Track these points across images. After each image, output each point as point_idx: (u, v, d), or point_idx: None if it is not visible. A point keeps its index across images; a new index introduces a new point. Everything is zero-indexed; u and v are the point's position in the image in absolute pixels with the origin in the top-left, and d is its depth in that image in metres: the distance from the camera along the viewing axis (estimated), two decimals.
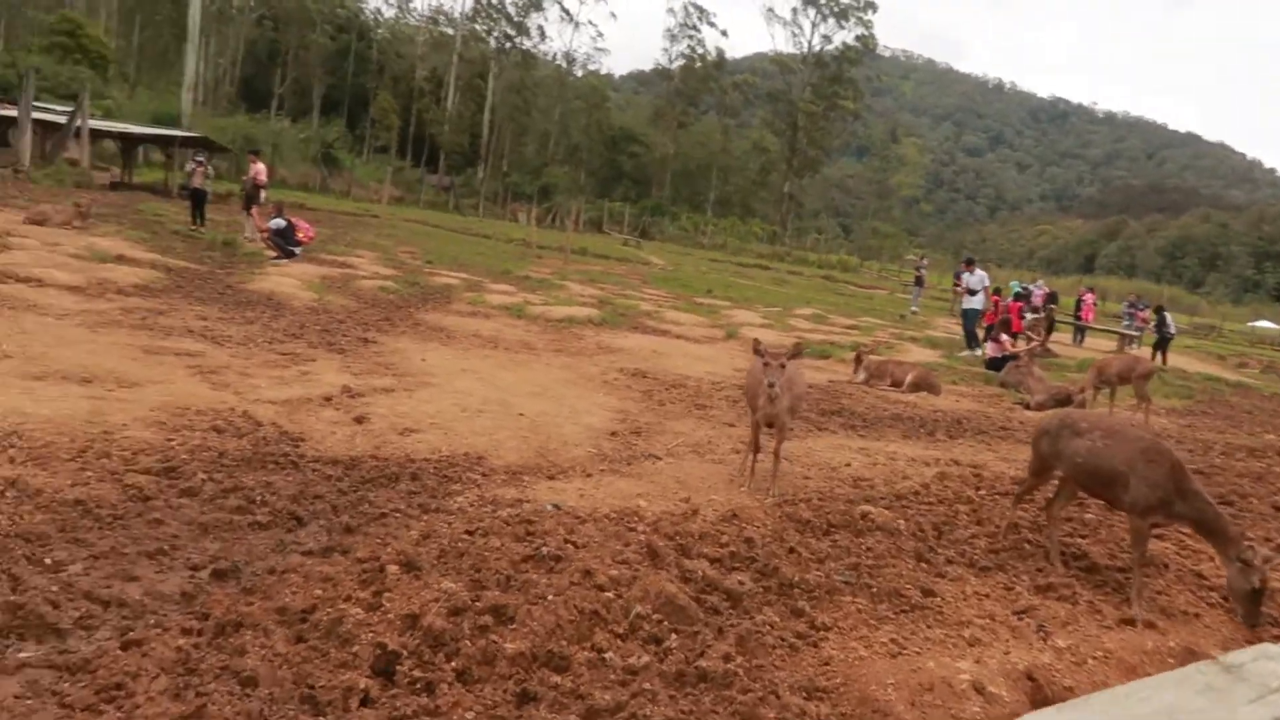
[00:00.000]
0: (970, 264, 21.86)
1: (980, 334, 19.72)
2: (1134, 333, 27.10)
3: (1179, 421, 14.31)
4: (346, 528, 5.76)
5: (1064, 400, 13.37)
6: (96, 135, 35.61)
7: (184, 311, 12.22)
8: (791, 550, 5.52)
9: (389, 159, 75.30)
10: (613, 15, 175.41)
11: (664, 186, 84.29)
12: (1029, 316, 22.05)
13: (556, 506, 6.26)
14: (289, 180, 57.24)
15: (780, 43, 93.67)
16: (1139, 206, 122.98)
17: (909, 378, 13.58)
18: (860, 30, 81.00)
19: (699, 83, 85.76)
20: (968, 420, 11.69)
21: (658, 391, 11.21)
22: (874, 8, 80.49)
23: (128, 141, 37.78)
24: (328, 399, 8.83)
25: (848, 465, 8.41)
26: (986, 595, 5.26)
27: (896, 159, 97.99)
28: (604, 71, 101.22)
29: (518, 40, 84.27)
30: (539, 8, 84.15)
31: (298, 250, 18.84)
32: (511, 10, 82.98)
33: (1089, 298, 26.51)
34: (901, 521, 6.18)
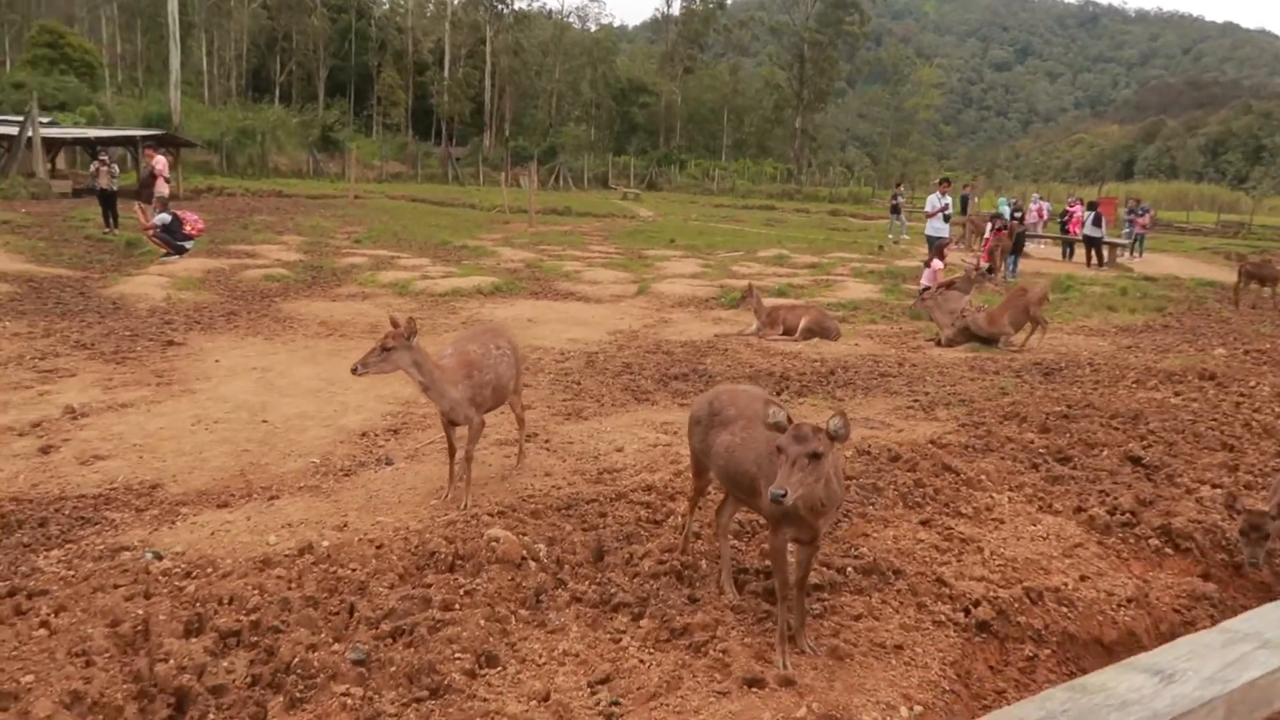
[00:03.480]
0: (944, 184, 19.91)
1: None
2: (1122, 241, 24.78)
3: (1122, 341, 12.52)
4: None
5: (978, 335, 11.70)
6: (53, 144, 34.85)
7: None
8: (337, 613, 4.15)
9: (400, 136, 74.09)
10: None
11: (676, 135, 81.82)
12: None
13: (157, 556, 5.16)
14: (282, 168, 56.48)
15: None
16: (1177, 105, 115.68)
17: (801, 323, 11.99)
18: None
19: (701, 24, 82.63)
20: (845, 370, 10.12)
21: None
22: None
23: (92, 145, 36.98)
24: (36, 424, 7.73)
25: (619, 451, 7.03)
26: (573, 656, 3.84)
27: (912, 82, 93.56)
28: (616, 24, 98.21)
29: (510, 1, 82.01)
30: None
31: (189, 245, 17.71)
32: None
33: (1077, 210, 24.22)
34: (543, 546, 4.74)
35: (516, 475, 6.54)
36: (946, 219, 19.34)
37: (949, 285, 14.36)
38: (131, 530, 5.65)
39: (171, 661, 3.74)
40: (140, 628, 4.00)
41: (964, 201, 28.71)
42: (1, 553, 5.41)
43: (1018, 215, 21.96)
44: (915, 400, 8.72)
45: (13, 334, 11.12)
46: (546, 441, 7.43)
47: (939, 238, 18.28)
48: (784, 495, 3.32)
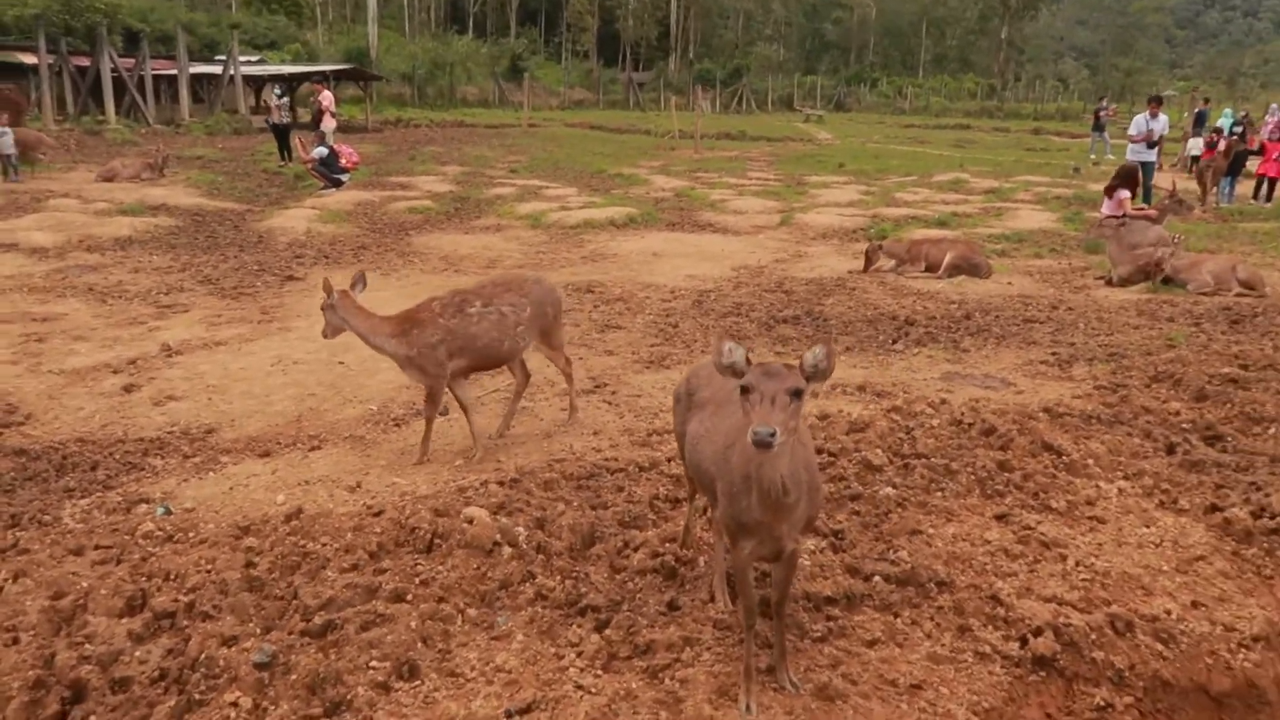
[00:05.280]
0: (1155, 103, 17.32)
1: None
2: None
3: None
4: None
5: (1158, 274, 10.06)
6: (254, 81, 36.82)
7: (140, 264, 11.72)
8: (280, 597, 3.77)
9: (587, 63, 74.10)
10: None
11: (870, 52, 77.54)
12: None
13: (167, 512, 5.06)
14: (469, 98, 57.67)
15: None
16: None
17: (946, 258, 10.71)
18: None
19: None
20: (984, 314, 8.91)
21: (575, 312, 9.32)
22: None
23: (288, 81, 38.85)
24: (131, 362, 7.93)
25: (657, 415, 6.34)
26: (504, 674, 3.28)
27: None
28: None
29: None
30: None
31: (345, 178, 18.10)
32: None
33: None
34: (523, 530, 4.17)
35: (563, 433, 6.01)
36: (1154, 146, 16.73)
37: (1141, 214, 12.55)
38: (166, 480, 5.55)
39: (88, 646, 3.48)
40: (81, 602, 3.77)
41: (1199, 118, 24.89)
42: (45, 497, 5.42)
43: (1238, 130, 18.91)
44: (1054, 354, 7.48)
45: (154, 268, 11.60)
46: (614, 393, 6.85)
47: (1143, 162, 15.96)
48: (771, 434, 2.53)
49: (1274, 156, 17.19)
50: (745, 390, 2.69)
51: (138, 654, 3.45)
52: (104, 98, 29.53)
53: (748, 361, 2.78)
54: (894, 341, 8.02)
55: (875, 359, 7.53)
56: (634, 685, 3.19)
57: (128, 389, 7.26)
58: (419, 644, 3.40)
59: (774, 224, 15.12)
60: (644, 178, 21.54)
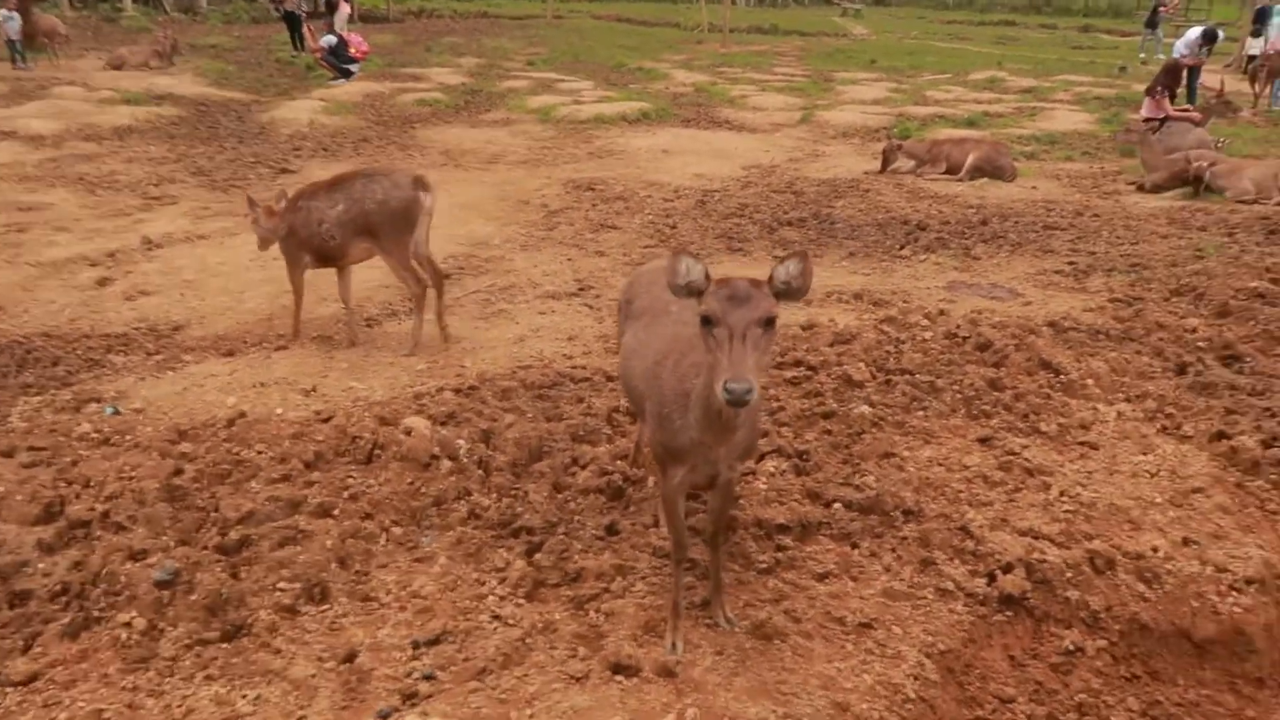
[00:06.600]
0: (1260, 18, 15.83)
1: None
2: None
3: None
4: None
5: (1195, 180, 9.43)
6: None
7: (135, 154, 11.41)
8: (202, 509, 3.55)
9: None
10: None
11: None
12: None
13: (116, 411, 4.86)
14: None
15: None
16: None
17: (969, 159, 10.12)
18: None
19: None
20: (1002, 219, 8.41)
21: (571, 211, 8.93)
22: None
23: None
24: (110, 254, 7.70)
25: None
26: (420, 599, 3.06)
27: None
28: None
29: None
30: None
31: (355, 68, 17.49)
32: None
33: None
34: (464, 443, 3.90)
35: (537, 337, 5.71)
36: (1209, 43, 15.23)
37: (1183, 115, 11.79)
38: (124, 378, 5.36)
39: None
40: None
41: (1260, 14, 22.30)
42: (1, 394, 5.25)
43: None
44: (1071, 263, 7.01)
45: (149, 158, 11.28)
46: (597, 296, 6.52)
47: (1178, 58, 14.78)
48: (749, 390, 2.17)
49: None
50: (708, 320, 2.30)
51: (42, 566, 3.27)
52: None
53: (707, 278, 2.38)
54: (901, 247, 7.58)
55: (879, 265, 7.12)
56: (556, 617, 2.96)
57: (101, 282, 7.05)
58: (334, 564, 3.18)
59: (794, 121, 14.44)
60: (665, 72, 20.68)
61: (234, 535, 3.33)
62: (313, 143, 12.37)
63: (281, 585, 3.07)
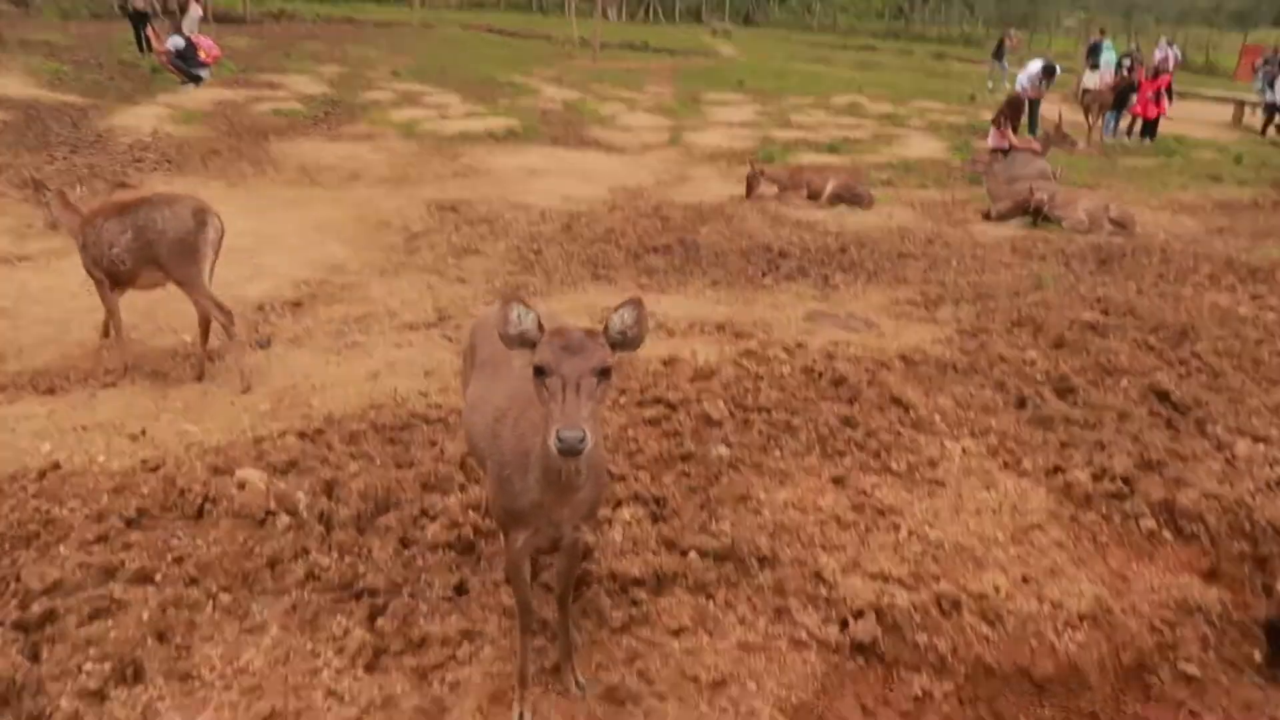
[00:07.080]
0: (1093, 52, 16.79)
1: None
2: (1253, 98, 21.47)
3: (1215, 221, 10.60)
4: None
5: (1035, 210, 9.94)
6: None
7: None
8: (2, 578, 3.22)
9: None
10: None
11: None
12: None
13: None
14: None
15: None
16: None
17: (828, 187, 10.39)
18: None
19: None
20: (860, 247, 8.62)
21: (434, 234, 8.69)
22: None
23: None
24: None
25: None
26: (247, 676, 2.85)
27: None
28: None
29: None
30: None
31: (204, 73, 16.69)
32: None
33: (1162, 55, 20.90)
34: (304, 496, 3.69)
35: (392, 373, 5.47)
36: (1049, 77, 16.02)
37: (1025, 146, 12.41)
38: None
39: None
40: None
41: (1093, 50, 24.22)
42: None
43: (1127, 64, 18.95)
44: (923, 293, 7.25)
45: None
46: (457, 328, 6.32)
47: (1020, 91, 15.61)
48: (581, 439, 2.10)
49: (1148, 95, 17.35)
50: (541, 371, 2.22)
51: None
52: None
53: (540, 328, 2.30)
54: (764, 275, 7.68)
55: (741, 295, 7.18)
56: (397, 690, 2.80)
57: None
58: (150, 639, 2.92)
59: (663, 142, 14.56)
60: (534, 87, 20.54)
61: (36, 609, 3.03)
62: (156, 154, 11.66)
63: (88, 666, 2.80)
